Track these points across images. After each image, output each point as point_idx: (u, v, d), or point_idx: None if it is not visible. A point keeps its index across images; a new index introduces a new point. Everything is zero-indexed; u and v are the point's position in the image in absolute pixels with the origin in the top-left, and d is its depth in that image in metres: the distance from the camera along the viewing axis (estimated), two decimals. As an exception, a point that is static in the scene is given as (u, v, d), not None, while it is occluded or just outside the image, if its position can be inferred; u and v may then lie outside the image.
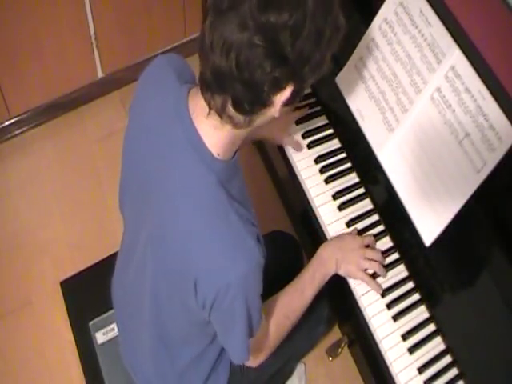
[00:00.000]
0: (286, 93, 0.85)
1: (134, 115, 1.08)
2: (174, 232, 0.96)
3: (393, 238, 1.30)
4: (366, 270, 1.25)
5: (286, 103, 0.88)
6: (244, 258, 0.92)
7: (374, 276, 1.25)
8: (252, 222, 0.98)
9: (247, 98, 0.84)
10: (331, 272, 1.25)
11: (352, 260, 1.24)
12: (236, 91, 0.84)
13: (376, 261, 1.25)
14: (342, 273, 1.26)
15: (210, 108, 0.89)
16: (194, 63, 0.93)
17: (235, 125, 0.89)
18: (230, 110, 0.87)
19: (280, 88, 0.84)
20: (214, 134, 0.92)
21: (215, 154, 0.93)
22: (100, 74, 2.16)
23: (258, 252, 0.93)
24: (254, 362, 1.17)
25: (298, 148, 1.37)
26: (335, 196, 1.33)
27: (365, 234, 1.29)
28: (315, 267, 1.24)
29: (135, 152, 1.06)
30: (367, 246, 1.27)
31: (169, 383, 1.24)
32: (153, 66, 1.06)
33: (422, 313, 1.23)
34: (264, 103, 0.86)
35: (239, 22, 0.78)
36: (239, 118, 0.88)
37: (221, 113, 0.88)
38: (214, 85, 0.85)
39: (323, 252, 1.26)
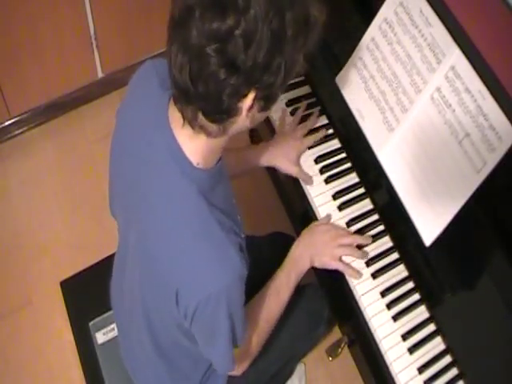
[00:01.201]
0: (248, 100, 0.82)
1: (120, 120, 1.08)
2: (155, 242, 0.95)
3: (393, 238, 1.30)
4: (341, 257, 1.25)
5: (261, 109, 0.87)
6: (225, 270, 0.91)
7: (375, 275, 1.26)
8: (236, 231, 0.97)
9: (212, 109, 0.83)
10: (305, 269, 1.24)
11: (325, 252, 1.24)
12: (199, 104, 0.83)
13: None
14: (317, 265, 1.25)
15: (183, 118, 0.88)
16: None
17: (209, 134, 0.88)
18: (202, 119, 0.86)
19: (241, 95, 0.81)
20: (191, 143, 0.91)
21: (195, 163, 0.92)
22: (100, 74, 2.16)
23: (240, 263, 0.92)
24: (237, 371, 1.16)
25: (309, 181, 1.34)
26: (335, 196, 1.33)
27: (365, 235, 1.29)
28: (289, 267, 1.23)
29: (120, 160, 1.06)
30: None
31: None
32: (140, 71, 1.06)
33: (422, 313, 1.23)
34: (229, 112, 0.84)
35: (189, 33, 0.76)
36: (212, 126, 0.87)
37: (193, 123, 0.87)
38: (180, 98, 0.85)
39: (296, 251, 1.25)
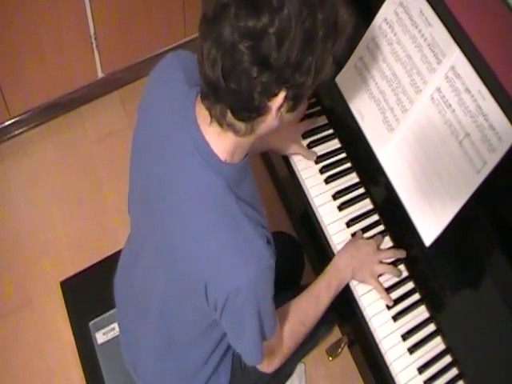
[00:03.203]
0: (279, 99, 0.83)
1: (141, 115, 1.07)
2: (182, 237, 0.95)
3: (393, 238, 1.30)
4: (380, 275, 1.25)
5: (289, 109, 0.87)
6: (253, 261, 0.92)
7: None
8: (262, 224, 0.98)
9: (241, 106, 0.84)
10: (347, 280, 1.25)
11: (367, 267, 1.24)
12: (229, 101, 0.83)
13: (389, 263, 1.26)
14: (357, 280, 1.26)
15: (211, 116, 0.89)
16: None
17: (237, 132, 0.89)
18: (230, 117, 0.86)
19: (272, 94, 0.82)
20: (219, 140, 0.91)
21: (222, 159, 0.92)
22: (100, 74, 2.16)
23: (268, 254, 0.92)
24: (268, 368, 1.16)
25: (310, 157, 1.36)
26: (335, 196, 1.33)
27: (365, 235, 1.29)
28: (331, 275, 1.24)
29: (142, 155, 1.05)
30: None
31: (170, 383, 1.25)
32: (162, 65, 1.05)
33: (422, 313, 1.23)
34: (259, 111, 0.84)
35: (223, 30, 0.77)
36: (240, 125, 0.87)
37: (221, 121, 0.88)
38: (210, 95, 0.85)
39: (340, 260, 1.25)
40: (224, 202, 0.92)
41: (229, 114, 0.86)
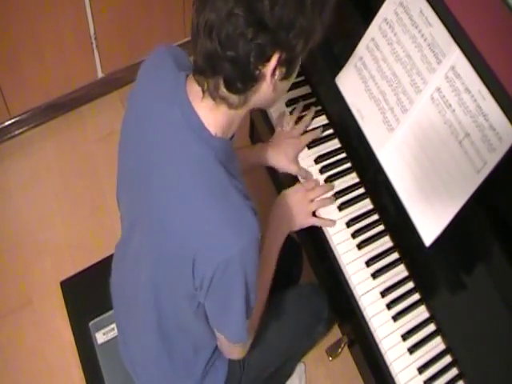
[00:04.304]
0: (273, 62, 0.86)
1: (131, 103, 1.08)
2: (173, 211, 0.96)
3: (393, 238, 1.30)
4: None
5: (283, 77, 0.90)
6: (243, 231, 0.92)
7: (374, 275, 1.26)
8: (249, 197, 0.98)
9: (237, 75, 0.86)
10: (284, 237, 1.27)
11: (300, 213, 1.27)
12: (226, 71, 0.85)
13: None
14: (296, 229, 1.29)
15: (203, 91, 0.91)
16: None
17: (230, 105, 0.91)
18: (223, 91, 0.89)
19: (266, 57, 0.85)
20: (210, 114, 0.93)
21: (213, 133, 0.94)
22: (100, 74, 2.16)
23: (257, 226, 0.94)
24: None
25: (309, 177, 1.35)
26: (335, 196, 1.33)
27: (365, 234, 1.29)
28: (271, 242, 1.25)
29: (132, 140, 1.06)
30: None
31: (169, 381, 1.25)
32: (152, 55, 1.08)
33: (422, 313, 1.23)
34: (254, 77, 0.87)
35: (218, 1, 0.81)
36: (233, 97, 0.90)
37: (214, 95, 0.90)
38: (205, 69, 0.88)
39: (272, 225, 1.27)
40: (215, 173, 0.94)
41: (222, 87, 0.88)
